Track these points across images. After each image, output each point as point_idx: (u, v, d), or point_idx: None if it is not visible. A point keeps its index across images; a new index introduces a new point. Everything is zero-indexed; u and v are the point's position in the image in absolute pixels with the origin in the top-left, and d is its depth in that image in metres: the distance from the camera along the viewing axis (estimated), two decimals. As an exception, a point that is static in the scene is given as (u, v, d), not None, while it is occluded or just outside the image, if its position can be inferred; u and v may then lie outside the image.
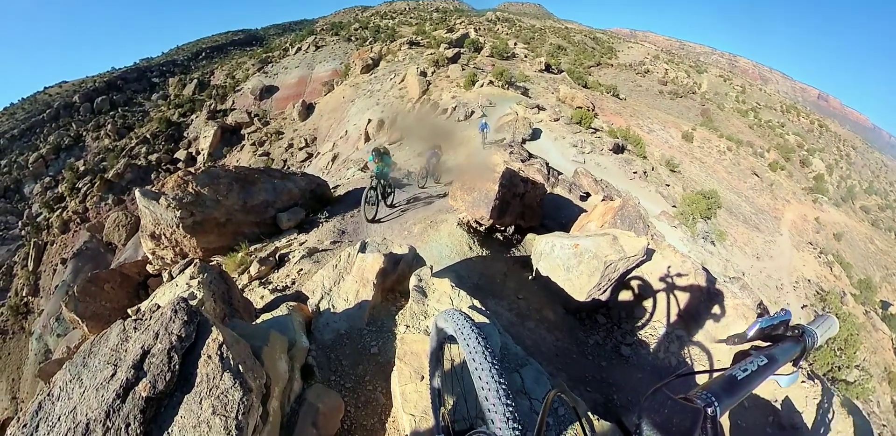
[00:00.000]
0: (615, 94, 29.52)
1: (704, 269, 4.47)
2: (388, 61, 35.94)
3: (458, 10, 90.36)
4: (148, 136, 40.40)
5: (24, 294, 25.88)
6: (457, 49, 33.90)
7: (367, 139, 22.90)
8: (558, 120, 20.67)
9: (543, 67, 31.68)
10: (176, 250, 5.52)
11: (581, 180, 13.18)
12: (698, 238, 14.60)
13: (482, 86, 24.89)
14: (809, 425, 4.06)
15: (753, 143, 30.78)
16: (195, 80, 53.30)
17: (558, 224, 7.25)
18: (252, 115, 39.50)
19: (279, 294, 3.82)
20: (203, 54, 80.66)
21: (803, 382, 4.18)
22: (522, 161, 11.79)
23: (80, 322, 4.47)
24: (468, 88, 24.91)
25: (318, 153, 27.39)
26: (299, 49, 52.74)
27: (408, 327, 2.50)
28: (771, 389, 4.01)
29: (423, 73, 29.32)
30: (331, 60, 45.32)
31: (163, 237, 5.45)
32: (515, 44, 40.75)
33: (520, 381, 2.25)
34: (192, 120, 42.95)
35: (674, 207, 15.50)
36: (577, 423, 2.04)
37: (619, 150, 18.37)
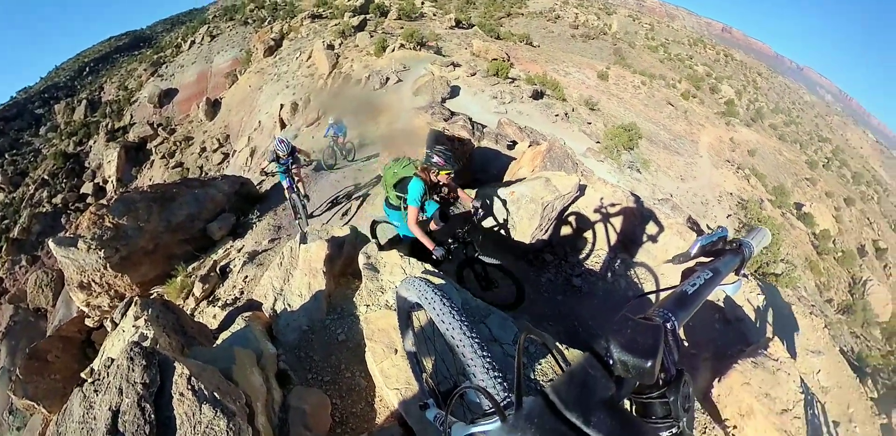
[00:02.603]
0: (529, 42, 29.32)
1: (634, 195, 4.77)
2: (291, 40, 33.28)
3: None
4: (46, 177, 35.16)
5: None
6: (362, 16, 31.91)
7: (283, 126, 21.27)
8: (475, 74, 20.19)
9: (454, 24, 30.72)
10: (111, 294, 5.00)
11: (506, 130, 12.99)
12: (625, 168, 15.04)
13: (393, 51, 23.72)
14: (752, 316, 4.51)
15: (665, 75, 32.15)
16: (84, 101, 46.73)
17: (491, 176, 7.20)
18: (155, 125, 35.36)
19: (231, 308, 3.67)
20: (87, 69, 70.38)
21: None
22: (445, 120, 11.37)
23: (35, 406, 3.91)
24: (379, 55, 23.63)
25: (235, 151, 25.21)
26: (193, 42, 47.46)
27: (368, 306, 2.46)
28: (714, 291, 4.41)
29: (331, 47, 27.40)
30: (230, 49, 41.28)
31: (93, 284, 4.90)
32: (423, 3, 39.11)
33: (487, 331, 2.29)
34: (91, 146, 37.87)
35: (598, 142, 15.79)
36: (550, 356, 2.10)
37: (538, 96, 18.27)
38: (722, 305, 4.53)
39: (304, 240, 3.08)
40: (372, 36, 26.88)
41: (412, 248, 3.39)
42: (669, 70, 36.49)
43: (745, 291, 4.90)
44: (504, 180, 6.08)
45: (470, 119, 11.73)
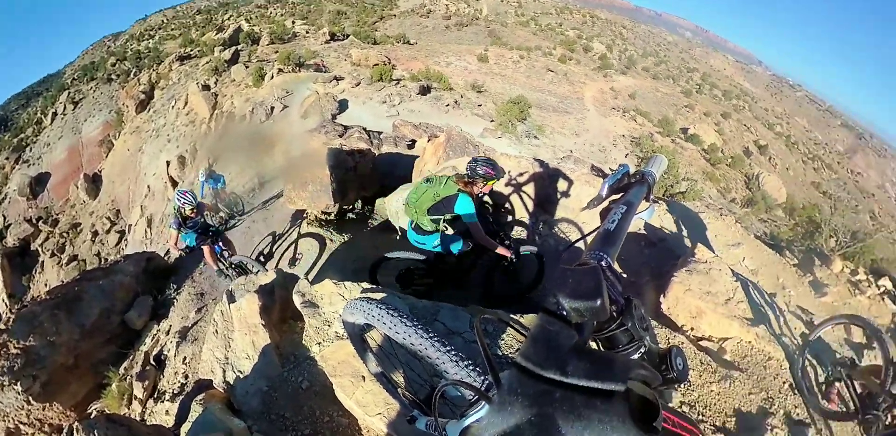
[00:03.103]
0: (406, 41, 29.91)
1: (538, 160, 5.09)
2: (162, 89, 31.05)
3: (223, 4, 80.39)
4: None
5: None
6: (234, 48, 30.50)
7: (175, 184, 19.85)
8: (359, 84, 20.26)
9: (329, 38, 30.46)
10: (46, 431, 4.43)
11: (402, 131, 13.23)
12: (523, 138, 15.96)
13: (272, 77, 23.06)
14: (672, 233, 5.01)
15: (541, 46, 34.40)
16: (-61, 215, 40.02)
17: (399, 179, 7.20)
18: (34, 221, 31.02)
19: (182, 397, 3.36)
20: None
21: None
22: (340, 136, 11.37)
23: None
24: (259, 85, 22.89)
25: (130, 226, 22.96)
26: (55, 114, 42.57)
27: (320, 344, 2.42)
28: (633, 220, 4.85)
29: (206, 87, 26.01)
30: (97, 113, 37.62)
31: (21, 427, 4.33)
32: (294, 22, 38.26)
33: (443, 326, 2.31)
34: (-38, 267, 32.56)
35: (492, 121, 16.56)
36: (509, 328, 2.13)
37: (426, 91, 18.75)
38: (644, 231, 4.94)
39: (231, 299, 2.96)
40: (247, 67, 25.88)
41: (436, 267, 3.41)
42: (543, 40, 39.02)
43: (660, 213, 5.35)
44: (413, 180, 6.16)
45: (365, 129, 11.89)
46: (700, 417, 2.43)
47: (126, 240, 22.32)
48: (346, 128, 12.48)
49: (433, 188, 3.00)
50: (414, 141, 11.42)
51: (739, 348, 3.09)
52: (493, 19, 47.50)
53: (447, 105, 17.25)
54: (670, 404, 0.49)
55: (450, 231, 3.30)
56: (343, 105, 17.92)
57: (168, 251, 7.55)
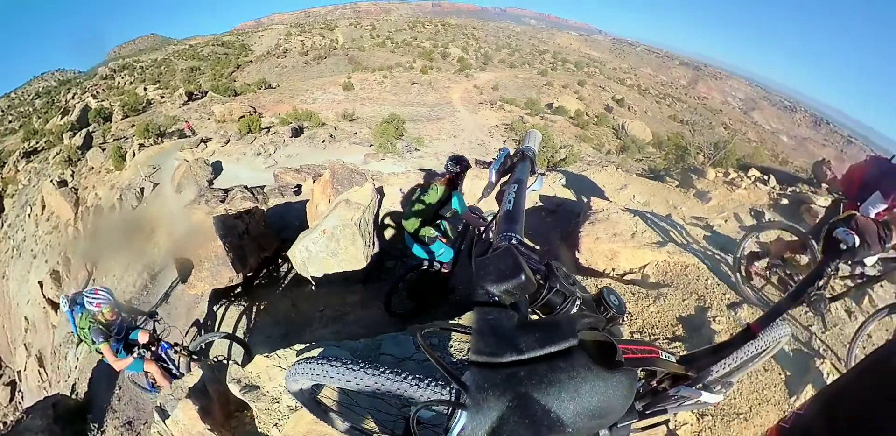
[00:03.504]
0: (267, 85, 29.72)
1: (424, 170, 5.39)
2: (12, 196, 27.27)
3: (63, 82, 71.95)
4: None
5: None
6: (84, 130, 27.72)
7: (56, 307, 17.51)
8: (229, 141, 19.78)
9: (187, 98, 29.10)
10: None
11: (285, 179, 13.22)
12: (405, 154, 16.82)
13: (134, 155, 21.56)
14: (566, 197, 5.32)
15: (401, 62, 36.35)
16: None
17: (296, 229, 7.07)
18: None
19: None
20: None
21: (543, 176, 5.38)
22: (223, 201, 10.93)
23: None
24: (121, 167, 21.24)
25: (20, 372, 19.57)
26: None
27: (276, 425, 2.24)
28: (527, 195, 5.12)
29: (63, 183, 23.42)
30: (-69, 248, 31.59)
31: None
32: (146, 89, 35.80)
33: (390, 357, 2.29)
34: None
35: (371, 146, 17.18)
36: (453, 334, 2.14)
37: (298, 132, 18.92)
38: (541, 203, 5.27)
39: (164, 414, 2.71)
40: (104, 149, 23.80)
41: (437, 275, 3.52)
42: (403, 56, 41.12)
43: (549, 183, 5.90)
44: (310, 225, 6.02)
45: (246, 187, 11.66)
46: (651, 337, 2.60)
47: (20, 391, 18.88)
48: (226, 191, 12.13)
49: (430, 199, 3.24)
50: (299, 186, 11.54)
51: (659, 269, 3.38)
52: (351, 46, 48.82)
53: (323, 141, 17.60)
54: (624, 337, 0.51)
55: (444, 238, 3.56)
56: (217, 167, 17.37)
57: (74, 384, 6.57)
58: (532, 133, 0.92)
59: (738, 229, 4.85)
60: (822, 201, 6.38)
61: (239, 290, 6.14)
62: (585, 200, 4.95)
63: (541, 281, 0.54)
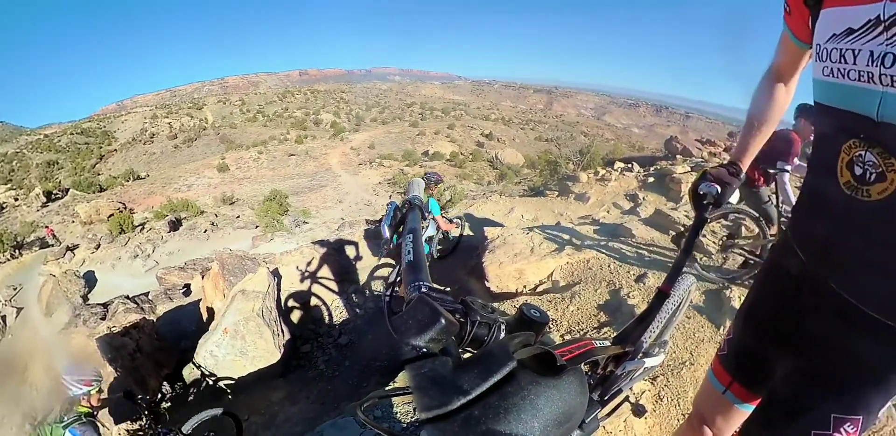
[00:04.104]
0: (136, 176, 28.23)
1: (316, 242, 5.61)
2: None
3: None
4: None
5: None
6: None
7: None
8: (99, 246, 18.44)
9: (45, 199, 25.96)
10: None
11: (170, 280, 12.32)
12: (294, 229, 17.13)
13: (-24, 287, 18.49)
14: (462, 233, 5.32)
15: (275, 135, 37.64)
16: None
17: (196, 333, 6.34)
18: None
19: None
20: None
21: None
22: (104, 318, 10.04)
23: None
24: (-40, 303, 17.98)
25: None
26: None
27: None
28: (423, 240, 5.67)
29: None
30: None
31: None
32: None
33: None
34: None
35: (257, 227, 17.52)
36: (394, 400, 2.25)
37: (176, 225, 18.57)
38: (438, 245, 5.35)
39: None
40: (-65, 284, 19.80)
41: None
42: (276, 128, 42.49)
43: (442, 223, 6.32)
44: (212, 329, 5.82)
45: (128, 297, 10.83)
46: (581, 332, 2.70)
47: None
48: (105, 306, 11.08)
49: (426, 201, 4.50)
50: (188, 285, 11.10)
51: (565, 271, 3.52)
52: (221, 124, 48.55)
53: (205, 231, 17.55)
54: (557, 342, 0.54)
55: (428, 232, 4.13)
56: (91, 279, 16.04)
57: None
58: (414, 182, 0.93)
59: (620, 215, 5.19)
60: (680, 169, 7.16)
61: (145, 421, 5.05)
62: (480, 231, 5.21)
63: (461, 319, 0.53)
